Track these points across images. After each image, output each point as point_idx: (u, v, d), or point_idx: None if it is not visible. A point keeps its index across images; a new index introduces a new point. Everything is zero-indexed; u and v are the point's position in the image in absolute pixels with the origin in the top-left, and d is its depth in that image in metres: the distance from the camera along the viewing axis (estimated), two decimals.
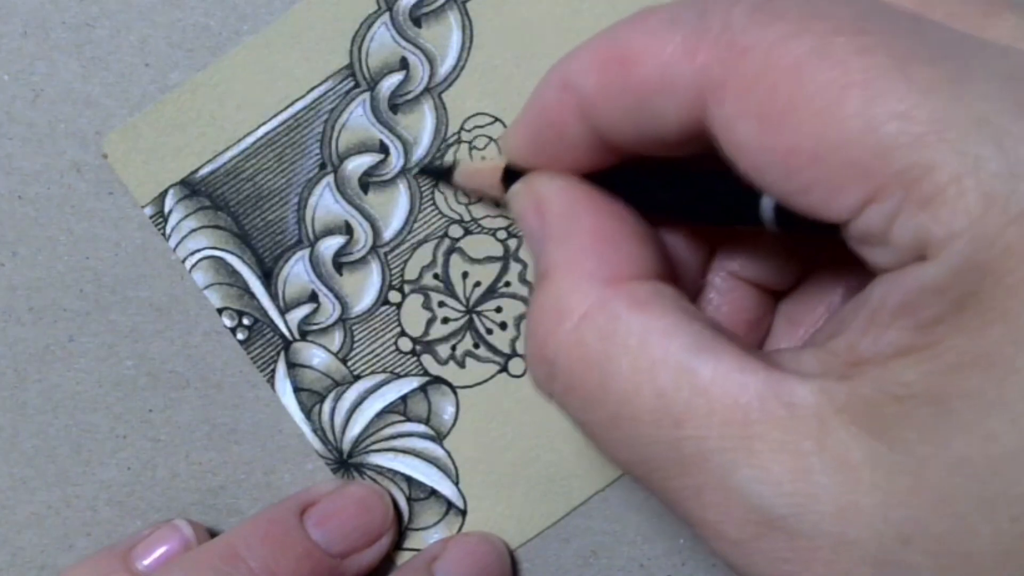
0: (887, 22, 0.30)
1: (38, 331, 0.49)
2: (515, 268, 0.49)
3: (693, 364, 0.33)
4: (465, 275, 0.49)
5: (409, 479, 0.50)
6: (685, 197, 0.38)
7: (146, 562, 0.47)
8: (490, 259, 0.49)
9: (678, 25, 0.33)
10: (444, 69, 0.48)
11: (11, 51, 0.48)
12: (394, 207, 0.48)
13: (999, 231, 0.27)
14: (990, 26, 0.32)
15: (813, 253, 0.41)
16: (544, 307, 0.36)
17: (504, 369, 0.49)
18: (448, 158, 0.49)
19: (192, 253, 0.48)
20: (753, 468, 0.31)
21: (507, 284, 0.49)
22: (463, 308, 0.49)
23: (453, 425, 0.50)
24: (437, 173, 0.49)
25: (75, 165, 0.48)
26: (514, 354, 0.49)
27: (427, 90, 0.48)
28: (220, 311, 0.49)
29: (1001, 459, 0.28)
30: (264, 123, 0.48)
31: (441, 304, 0.49)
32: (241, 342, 0.49)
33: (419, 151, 0.48)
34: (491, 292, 0.49)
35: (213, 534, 0.50)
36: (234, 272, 0.48)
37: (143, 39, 0.48)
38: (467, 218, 0.49)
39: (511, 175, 0.41)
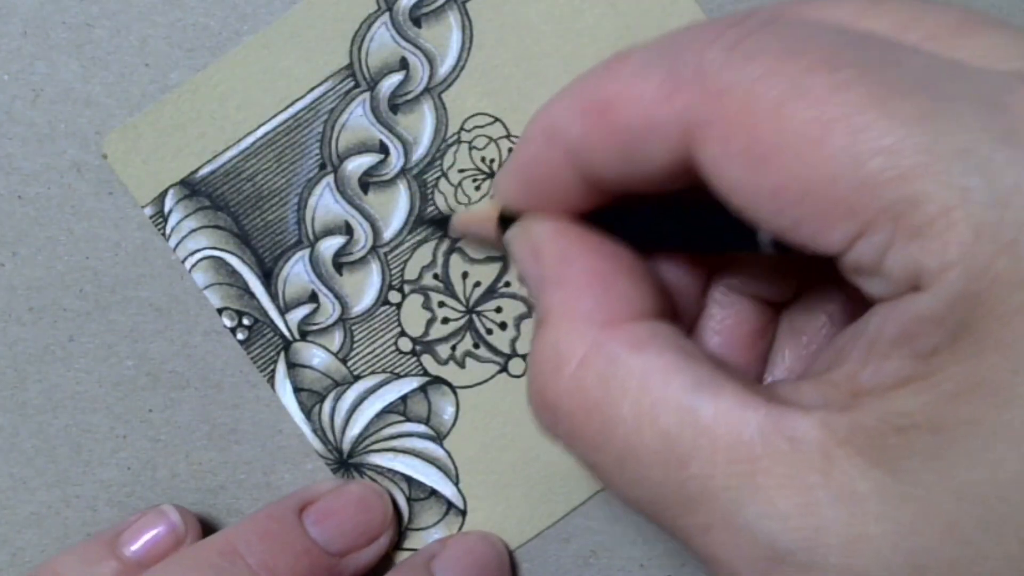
0: (862, 55, 0.30)
1: (38, 331, 0.49)
2: (515, 268, 0.48)
3: (694, 403, 0.33)
4: (465, 275, 0.49)
5: (409, 479, 0.50)
6: (681, 229, 0.39)
7: (134, 548, 0.47)
8: (490, 259, 0.49)
9: (654, 68, 0.33)
10: (444, 69, 0.48)
11: (11, 51, 0.48)
12: (394, 207, 0.48)
13: (990, 260, 0.27)
14: (965, 46, 0.31)
15: (812, 264, 0.41)
16: (543, 353, 0.36)
17: (504, 369, 0.49)
18: (441, 207, 0.49)
19: (192, 253, 0.48)
20: (760, 504, 0.31)
21: (507, 284, 0.49)
22: (463, 308, 0.49)
23: (453, 425, 0.50)
24: (434, 223, 0.49)
25: (75, 165, 0.48)
26: (514, 354, 0.49)
27: (427, 90, 0.48)
28: (220, 311, 0.49)
29: (1006, 484, 0.28)
30: (264, 123, 0.48)
31: (441, 304, 0.49)
32: (241, 342, 0.49)
33: (419, 151, 0.48)
34: (491, 292, 0.49)
35: (208, 528, 0.50)
36: (234, 272, 0.48)
37: (143, 39, 0.48)
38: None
39: (506, 219, 0.41)
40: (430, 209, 0.49)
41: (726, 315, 0.42)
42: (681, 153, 0.32)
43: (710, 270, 0.42)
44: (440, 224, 0.48)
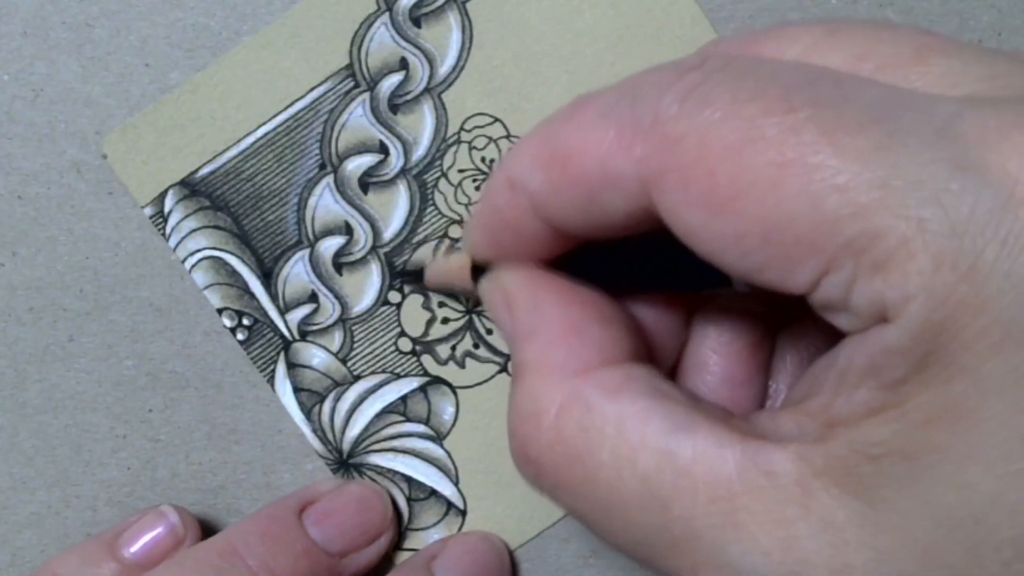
0: (815, 92, 0.30)
1: (38, 331, 0.49)
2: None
3: (671, 445, 0.33)
4: None
5: (409, 479, 0.50)
6: (654, 271, 0.39)
7: (133, 549, 0.47)
8: None
9: (611, 118, 0.33)
10: (444, 69, 0.48)
11: (11, 51, 0.48)
12: (394, 207, 0.48)
13: (951, 289, 0.27)
14: (920, 73, 0.32)
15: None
16: (521, 406, 0.36)
17: (504, 369, 0.49)
18: (418, 254, 0.49)
19: (192, 253, 0.48)
20: (742, 542, 0.31)
21: None
22: (463, 308, 0.49)
23: (453, 425, 0.50)
24: (409, 276, 0.49)
25: (75, 165, 0.48)
26: None
27: (427, 90, 0.48)
28: (220, 311, 0.49)
29: (981, 507, 0.28)
30: (264, 123, 0.48)
31: (441, 304, 0.49)
32: (241, 342, 0.49)
33: (419, 151, 0.48)
34: None
35: (209, 528, 0.50)
36: (234, 272, 0.48)
37: (143, 39, 0.48)
38: (467, 218, 0.48)
39: (478, 268, 0.41)
40: (401, 260, 0.49)
41: (722, 331, 0.42)
42: (642, 202, 0.33)
43: (690, 304, 0.42)
44: (414, 277, 0.48)
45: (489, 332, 0.49)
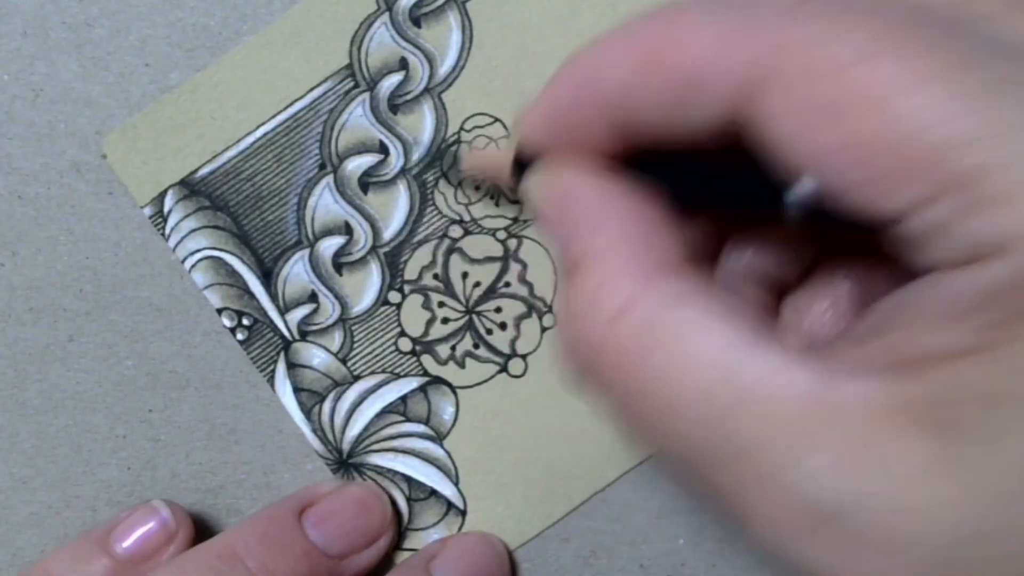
0: (928, 25, 0.30)
1: (38, 331, 0.49)
2: (515, 268, 0.49)
3: (738, 361, 0.32)
4: (465, 275, 0.49)
5: (409, 479, 0.50)
6: (709, 183, 0.37)
7: (125, 544, 0.47)
8: (490, 259, 0.49)
9: (716, 18, 0.32)
10: (444, 69, 0.48)
11: (11, 51, 0.48)
12: (394, 207, 0.48)
13: None
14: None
15: (820, 246, 0.41)
16: (580, 300, 0.35)
17: (504, 369, 0.49)
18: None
19: (192, 253, 0.48)
20: (807, 464, 0.31)
21: (507, 284, 0.49)
22: (463, 308, 0.49)
23: (453, 425, 0.50)
24: (444, 159, 0.49)
25: (75, 165, 0.48)
26: (514, 354, 0.49)
27: (427, 90, 0.48)
28: (220, 311, 0.49)
29: None
30: (263, 123, 0.48)
31: (441, 304, 0.49)
32: (241, 342, 0.49)
33: (419, 151, 0.48)
34: (491, 292, 0.49)
35: (208, 528, 0.50)
36: (234, 272, 0.48)
37: (143, 39, 0.48)
38: (467, 218, 0.49)
39: (521, 164, 0.40)
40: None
41: (756, 258, 0.41)
42: (731, 109, 0.32)
43: (721, 239, 0.41)
44: (449, 161, 0.48)
45: (489, 332, 0.49)
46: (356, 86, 0.48)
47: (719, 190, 0.37)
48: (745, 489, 0.32)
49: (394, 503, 0.50)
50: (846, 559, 0.31)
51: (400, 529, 0.50)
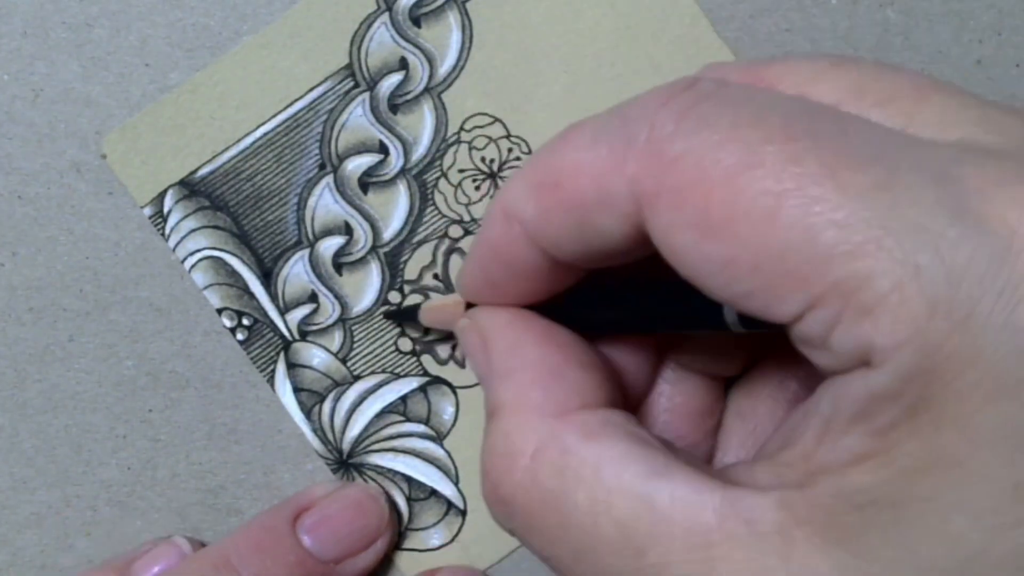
0: (814, 126, 0.30)
1: (38, 331, 0.49)
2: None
3: (649, 490, 0.32)
4: None
5: (409, 479, 0.50)
6: (641, 313, 0.39)
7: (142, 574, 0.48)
8: None
9: (604, 137, 0.33)
10: (444, 69, 0.48)
11: (11, 51, 0.48)
12: (394, 207, 0.49)
13: (944, 337, 0.27)
14: (917, 112, 0.32)
15: (761, 342, 0.41)
16: (495, 446, 0.36)
17: None
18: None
19: (192, 253, 0.48)
20: None
21: None
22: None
23: (453, 425, 0.50)
24: (402, 315, 0.49)
25: (75, 165, 0.48)
26: None
27: (427, 90, 0.48)
28: (220, 311, 0.49)
29: (968, 560, 0.28)
30: (263, 123, 0.48)
31: None
32: (241, 342, 0.49)
33: (419, 151, 0.48)
34: None
35: (210, 532, 0.50)
36: (234, 272, 0.48)
37: (143, 39, 0.48)
38: (467, 218, 0.49)
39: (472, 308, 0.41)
40: (391, 305, 0.49)
41: (674, 392, 0.42)
42: (635, 223, 0.32)
43: (660, 348, 0.42)
44: (408, 315, 0.48)
45: None
46: (356, 86, 0.48)
47: (659, 316, 0.38)
48: None
49: (394, 503, 0.50)
50: None
51: (400, 529, 0.50)
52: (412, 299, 0.49)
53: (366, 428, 0.50)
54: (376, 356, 0.49)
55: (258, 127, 0.48)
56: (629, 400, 0.41)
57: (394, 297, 0.49)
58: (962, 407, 0.28)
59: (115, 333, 0.49)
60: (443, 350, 0.49)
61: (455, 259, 0.49)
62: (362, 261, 0.49)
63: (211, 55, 0.48)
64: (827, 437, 0.30)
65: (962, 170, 0.28)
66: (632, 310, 0.39)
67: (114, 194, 0.48)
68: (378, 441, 0.50)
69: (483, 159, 0.48)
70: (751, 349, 0.42)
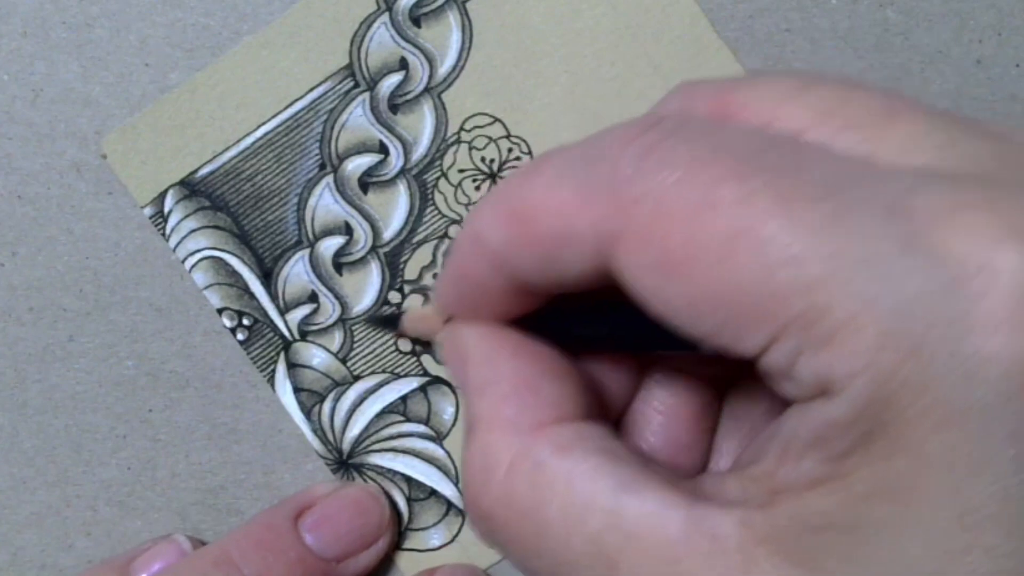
0: (770, 160, 0.30)
1: (38, 331, 0.49)
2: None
3: (619, 505, 0.33)
4: None
5: (409, 479, 0.50)
6: (616, 331, 0.39)
7: (143, 574, 0.48)
8: None
9: (569, 177, 0.33)
10: (444, 69, 0.48)
11: (11, 51, 0.48)
12: (394, 207, 0.49)
13: (896, 367, 0.28)
14: (883, 137, 0.32)
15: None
16: (473, 462, 0.36)
17: None
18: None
19: (192, 253, 0.48)
20: None
21: None
22: None
23: (453, 425, 0.50)
24: (384, 322, 0.49)
25: (75, 165, 0.48)
26: None
27: (427, 90, 0.48)
28: (220, 311, 0.49)
29: None
30: (263, 123, 0.48)
31: None
32: (241, 342, 0.49)
33: (419, 151, 0.48)
34: None
35: (210, 532, 0.50)
36: (234, 272, 0.48)
37: (143, 39, 0.48)
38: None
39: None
40: (382, 309, 0.49)
41: (666, 395, 0.42)
42: (599, 260, 0.33)
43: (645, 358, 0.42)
44: (390, 323, 0.48)
45: None
46: (356, 86, 0.48)
47: (630, 335, 0.38)
48: None
49: (394, 504, 0.50)
50: None
51: (400, 529, 0.50)
52: (413, 298, 0.49)
53: (366, 428, 0.50)
54: (376, 356, 0.49)
55: (258, 127, 0.48)
56: (612, 407, 0.42)
57: (394, 297, 0.49)
58: (913, 434, 0.28)
59: (115, 333, 0.49)
60: None
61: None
62: (362, 261, 0.49)
63: (211, 55, 0.48)
64: (787, 459, 0.31)
65: (915, 200, 0.29)
66: (606, 330, 0.39)
67: (114, 194, 0.48)
68: (378, 441, 0.50)
69: (483, 159, 0.48)
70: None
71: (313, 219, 0.48)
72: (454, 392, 0.49)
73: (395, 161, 0.48)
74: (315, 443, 0.49)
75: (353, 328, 0.49)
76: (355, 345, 0.49)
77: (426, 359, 0.49)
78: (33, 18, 0.48)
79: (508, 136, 0.48)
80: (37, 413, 0.49)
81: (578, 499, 0.33)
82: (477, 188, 0.48)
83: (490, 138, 0.48)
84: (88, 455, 0.50)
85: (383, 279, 0.49)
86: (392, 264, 0.49)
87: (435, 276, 0.49)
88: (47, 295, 0.49)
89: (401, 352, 0.49)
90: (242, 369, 0.49)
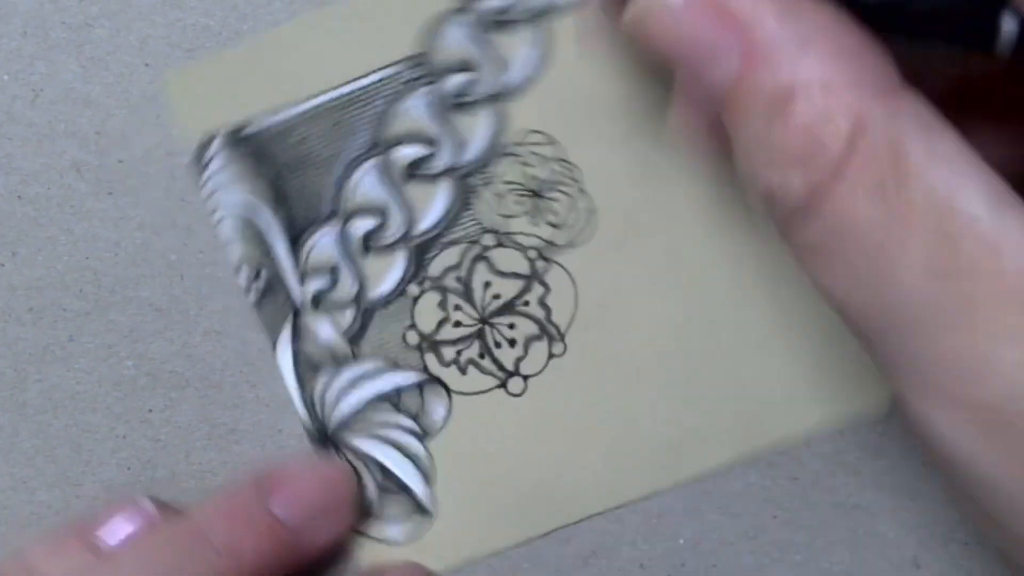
0: None
1: (38, 331, 0.49)
2: (537, 290, 0.49)
3: (991, 216, 0.29)
4: (487, 285, 0.49)
5: (384, 469, 0.50)
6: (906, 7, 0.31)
7: (108, 540, 0.47)
8: (515, 275, 0.49)
9: None
10: (512, 79, 0.48)
11: (11, 51, 0.47)
12: (433, 203, 0.49)
13: None
14: None
15: None
16: (797, 135, 0.30)
17: (503, 385, 0.50)
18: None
19: (222, 207, 0.48)
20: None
21: (526, 303, 0.49)
22: (477, 316, 0.49)
23: (441, 428, 0.50)
24: None
25: (75, 165, 0.48)
26: (516, 373, 0.49)
27: (491, 96, 0.48)
28: (238, 268, 0.49)
29: None
30: (324, 92, 0.48)
31: (457, 307, 0.49)
32: (253, 303, 0.49)
33: (470, 154, 0.49)
34: (508, 307, 0.49)
35: None
36: (260, 232, 0.48)
37: (143, 39, 0.48)
38: (502, 230, 0.49)
39: None
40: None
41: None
42: None
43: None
44: None
45: (498, 345, 0.49)
46: (421, 77, 0.48)
47: (930, 20, 0.31)
48: (936, 363, 0.30)
49: (363, 486, 0.50)
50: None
51: (364, 514, 0.50)
52: (430, 295, 0.49)
53: (355, 410, 0.50)
54: (382, 343, 0.49)
55: (319, 95, 0.48)
56: None
57: (413, 290, 0.49)
58: None
59: (115, 333, 0.49)
60: (448, 352, 0.50)
61: (481, 267, 0.49)
62: (390, 248, 0.49)
63: (211, 55, 0.48)
64: None
65: None
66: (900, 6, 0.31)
67: (114, 194, 0.48)
68: (364, 425, 0.50)
69: (532, 176, 0.48)
70: None
71: (352, 196, 0.48)
72: (449, 396, 0.50)
73: (444, 158, 0.48)
74: (302, 412, 0.50)
75: (366, 310, 0.49)
76: (365, 328, 0.49)
77: (429, 358, 0.50)
78: (33, 18, 0.47)
79: (561, 160, 0.48)
80: (37, 413, 0.49)
81: (948, 198, 0.29)
82: (518, 203, 0.49)
83: (544, 157, 0.48)
84: (88, 455, 0.50)
85: (406, 270, 0.49)
86: (419, 258, 0.49)
87: (458, 279, 0.49)
88: (47, 295, 0.49)
89: (407, 345, 0.49)
90: (242, 369, 0.50)
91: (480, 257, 0.49)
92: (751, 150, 0.32)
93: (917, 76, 0.31)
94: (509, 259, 0.49)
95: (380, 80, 0.48)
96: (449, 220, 0.49)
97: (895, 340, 0.30)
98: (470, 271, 0.49)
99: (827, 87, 0.30)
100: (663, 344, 0.49)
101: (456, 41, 0.48)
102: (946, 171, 0.29)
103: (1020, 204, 0.29)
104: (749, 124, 0.31)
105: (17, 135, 0.48)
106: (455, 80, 0.49)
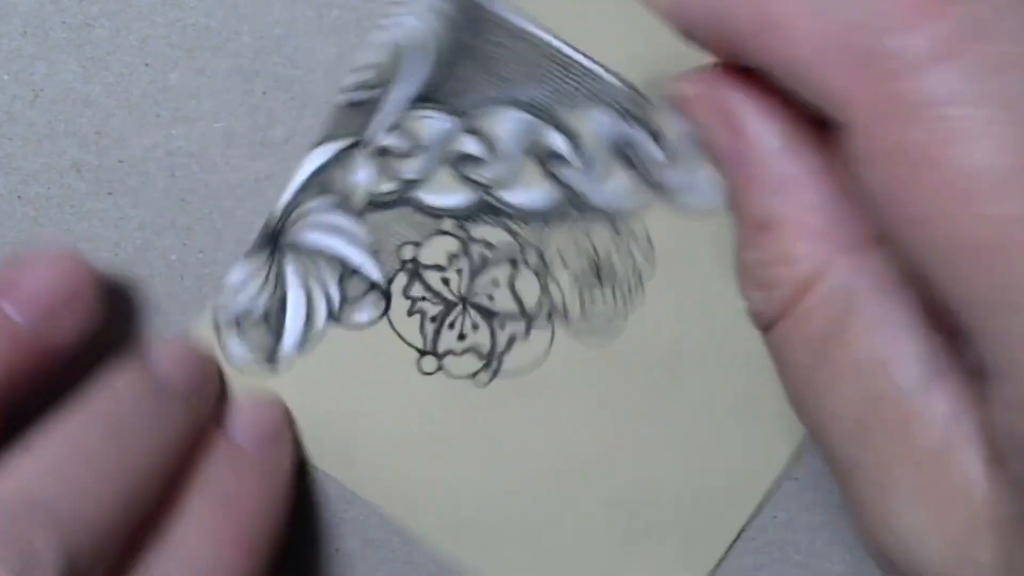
0: None
1: None
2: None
3: (917, 387, 0.30)
4: (493, 283, 0.49)
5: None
6: None
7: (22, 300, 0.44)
8: (520, 305, 0.49)
9: None
10: (672, 184, 0.48)
11: (11, 51, 0.48)
12: (534, 191, 0.48)
13: None
14: None
15: None
16: (766, 263, 0.32)
17: (420, 355, 0.49)
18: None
19: (396, 25, 0.47)
20: None
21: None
22: (457, 297, 0.49)
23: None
24: None
25: (75, 165, 0.48)
26: (435, 353, 0.49)
27: (652, 182, 0.48)
28: (358, 69, 0.48)
29: None
30: (561, 39, 0.47)
31: (459, 272, 0.48)
32: (340, 103, 0.48)
33: (598, 197, 0.48)
34: (487, 312, 0.49)
35: None
36: (402, 66, 0.47)
37: (143, 39, 0.48)
38: (548, 263, 0.48)
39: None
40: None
41: None
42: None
43: None
44: None
45: (475, 327, 0.49)
46: (626, 110, 0.47)
47: None
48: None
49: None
50: None
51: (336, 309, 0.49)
52: (445, 241, 0.49)
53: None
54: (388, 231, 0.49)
55: (556, 38, 0.47)
56: None
57: (450, 242, 0.49)
58: None
59: (116, 333, 0.49)
60: (418, 292, 0.49)
61: (500, 271, 0.49)
62: (473, 171, 0.48)
63: (211, 55, 0.48)
64: None
65: None
66: None
67: (114, 194, 0.48)
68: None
69: (610, 262, 0.48)
70: None
71: (487, 124, 0.48)
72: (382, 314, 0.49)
73: (579, 178, 0.48)
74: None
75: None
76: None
77: (403, 278, 0.49)
78: (33, 18, 0.47)
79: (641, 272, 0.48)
80: None
81: (884, 367, 0.30)
82: (581, 266, 0.49)
83: (632, 255, 0.48)
84: None
85: (471, 199, 0.48)
86: (493, 206, 0.49)
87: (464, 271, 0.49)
88: None
89: (399, 253, 0.49)
90: None
91: (513, 264, 0.49)
92: (737, 246, 0.34)
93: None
94: (528, 286, 0.49)
95: (597, 75, 0.47)
96: (529, 215, 0.48)
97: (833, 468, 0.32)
98: (484, 267, 0.48)
99: (799, 229, 0.32)
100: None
101: (671, 123, 0.48)
102: (889, 336, 0.30)
103: (951, 374, 0.30)
104: (737, 227, 0.34)
105: (17, 135, 0.48)
106: (642, 138, 0.48)
